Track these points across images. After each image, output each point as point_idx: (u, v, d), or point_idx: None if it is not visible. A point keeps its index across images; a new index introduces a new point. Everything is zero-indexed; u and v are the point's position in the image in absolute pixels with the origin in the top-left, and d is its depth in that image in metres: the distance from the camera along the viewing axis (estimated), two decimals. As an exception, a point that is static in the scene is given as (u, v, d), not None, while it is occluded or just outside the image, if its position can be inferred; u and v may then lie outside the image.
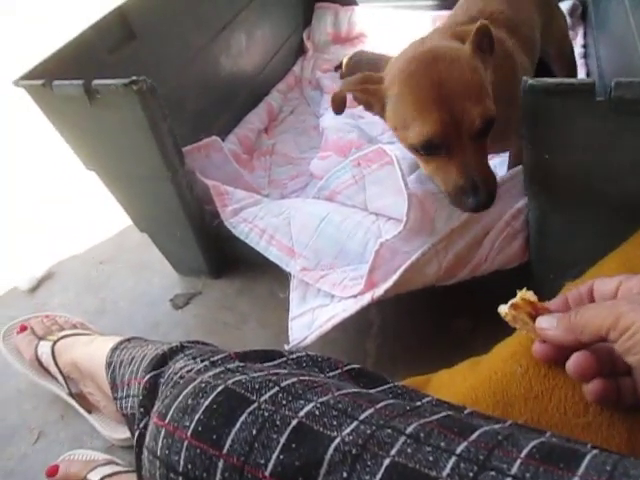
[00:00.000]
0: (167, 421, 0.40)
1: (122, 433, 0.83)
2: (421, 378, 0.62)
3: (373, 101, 0.73)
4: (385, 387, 0.48)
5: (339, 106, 0.77)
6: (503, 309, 0.47)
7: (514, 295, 0.48)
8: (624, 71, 1.03)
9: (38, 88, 0.81)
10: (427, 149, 0.69)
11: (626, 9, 1.04)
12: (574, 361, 0.42)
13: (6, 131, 1.69)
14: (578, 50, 1.42)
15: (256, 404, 0.39)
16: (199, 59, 1.26)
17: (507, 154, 1.15)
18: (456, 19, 0.91)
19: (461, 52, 0.70)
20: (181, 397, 0.41)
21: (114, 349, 0.77)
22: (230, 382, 0.41)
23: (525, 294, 0.46)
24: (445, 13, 1.62)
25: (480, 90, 0.68)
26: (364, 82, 0.74)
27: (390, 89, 0.71)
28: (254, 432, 0.37)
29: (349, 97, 0.77)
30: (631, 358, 0.38)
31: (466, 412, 0.44)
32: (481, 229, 0.79)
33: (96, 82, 0.78)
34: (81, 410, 0.88)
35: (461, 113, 0.66)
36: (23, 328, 0.94)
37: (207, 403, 0.40)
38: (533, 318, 0.45)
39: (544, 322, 0.44)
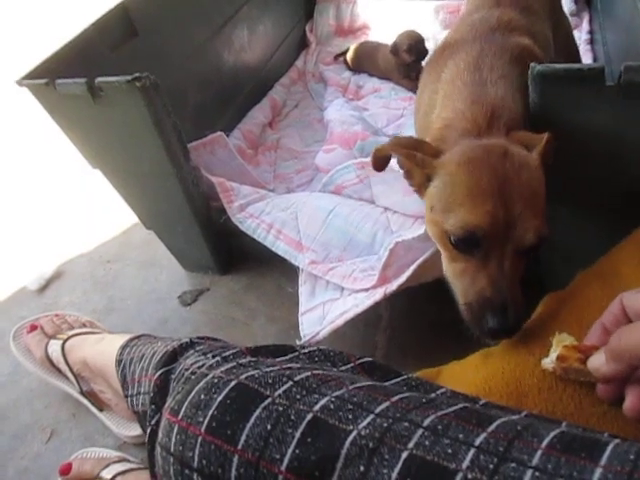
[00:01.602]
0: (180, 417, 0.40)
1: (134, 430, 0.83)
2: (432, 370, 0.62)
3: (416, 171, 0.65)
4: (399, 379, 0.47)
5: (380, 164, 0.69)
6: (550, 364, 0.44)
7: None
8: (632, 56, 1.02)
9: (41, 87, 0.81)
10: (464, 242, 0.59)
11: (633, -6, 1.02)
12: (630, 404, 0.41)
13: (12, 131, 1.69)
14: (584, 36, 1.41)
15: (270, 399, 0.39)
16: (202, 55, 1.25)
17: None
18: (474, 27, 0.84)
19: (530, 159, 0.61)
20: (194, 393, 0.41)
21: (124, 347, 0.77)
22: (243, 377, 0.41)
23: (564, 341, 0.44)
24: (447, 3, 1.61)
25: (542, 205, 0.60)
26: (414, 148, 0.65)
27: (445, 167, 0.62)
28: (269, 427, 0.37)
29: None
30: None
31: (481, 403, 0.44)
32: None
33: (99, 80, 0.78)
34: (92, 408, 0.88)
35: (517, 218, 0.57)
36: (33, 327, 0.95)
37: (220, 398, 0.39)
38: (583, 362, 0.43)
39: (596, 361, 0.41)
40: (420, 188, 0.66)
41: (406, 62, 1.41)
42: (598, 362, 0.41)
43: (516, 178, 0.58)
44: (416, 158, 0.64)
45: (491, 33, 0.80)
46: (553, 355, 0.44)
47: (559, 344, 0.44)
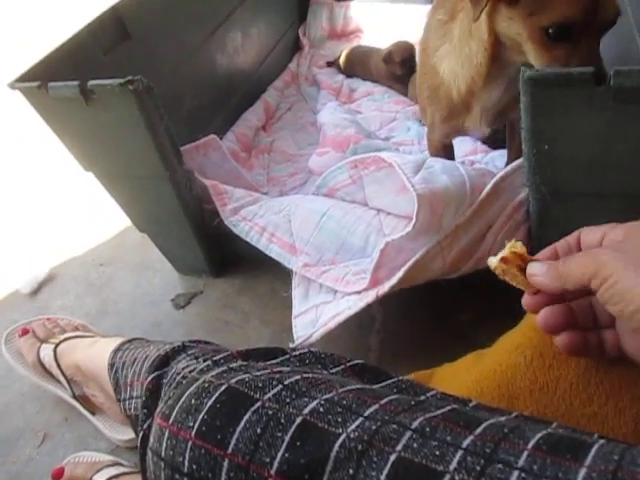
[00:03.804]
0: (171, 422, 0.40)
1: (126, 434, 0.83)
2: (424, 372, 0.62)
3: None
4: (389, 382, 0.47)
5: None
6: (493, 262, 0.46)
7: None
8: (622, 61, 1.02)
9: (33, 90, 0.81)
10: (559, 33, 0.68)
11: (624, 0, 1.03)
12: (541, 315, 0.43)
13: (4, 134, 1.68)
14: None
15: (260, 403, 0.39)
16: (195, 58, 1.25)
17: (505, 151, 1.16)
18: None
19: None
20: (184, 397, 0.41)
21: (116, 350, 0.77)
22: (233, 381, 0.41)
23: (514, 246, 0.46)
24: (441, 6, 1.61)
25: None
26: None
27: None
28: (258, 431, 0.37)
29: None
30: (611, 308, 0.38)
31: (471, 405, 0.44)
32: (485, 223, 0.79)
33: (92, 82, 0.78)
34: (85, 412, 0.87)
35: (601, 4, 0.67)
36: (25, 331, 0.94)
37: (210, 403, 0.39)
38: (522, 270, 0.45)
39: (535, 268, 0.43)
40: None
41: (397, 73, 1.42)
42: (537, 270, 0.43)
43: None
44: None
45: None
46: (499, 255, 0.46)
47: (510, 248, 0.46)
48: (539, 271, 0.43)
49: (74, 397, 0.88)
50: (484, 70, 0.80)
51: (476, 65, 0.80)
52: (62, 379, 0.87)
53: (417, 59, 1.06)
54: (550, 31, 0.68)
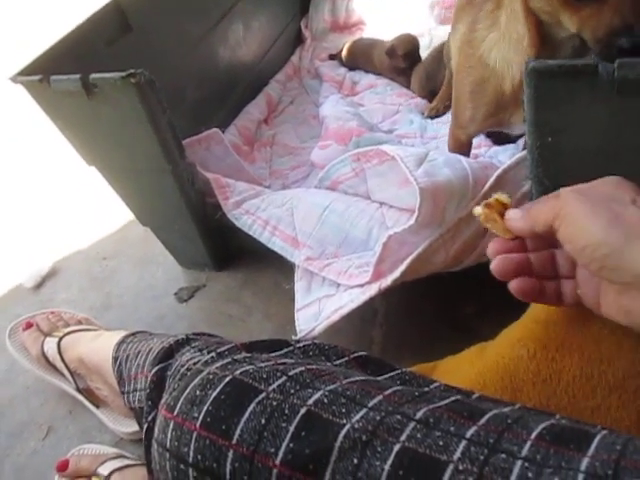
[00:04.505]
0: (176, 413, 0.40)
1: (130, 427, 0.84)
2: (427, 365, 0.62)
3: None
4: (393, 374, 0.48)
5: None
6: (478, 210, 0.48)
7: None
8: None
9: (36, 84, 0.80)
10: None
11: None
12: (495, 261, 0.46)
13: (7, 128, 1.69)
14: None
15: (264, 394, 0.39)
16: (197, 51, 1.25)
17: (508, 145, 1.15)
18: None
19: None
20: (189, 389, 0.41)
21: (120, 343, 0.78)
22: (237, 372, 0.41)
23: (500, 196, 0.48)
24: (443, -2, 1.61)
25: None
26: None
27: None
28: (263, 421, 0.37)
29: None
30: (567, 246, 0.40)
31: (474, 397, 0.44)
32: (487, 217, 0.79)
33: (94, 76, 0.78)
34: (89, 405, 0.88)
35: None
36: (29, 325, 0.95)
37: (215, 394, 0.40)
38: (503, 217, 0.47)
39: (512, 213, 0.46)
40: None
41: (400, 67, 1.41)
42: (514, 214, 0.45)
43: None
44: None
45: None
46: (484, 202, 0.48)
47: (496, 197, 0.48)
48: (515, 215, 0.45)
49: (78, 390, 0.88)
50: (533, 52, 0.77)
51: (525, 49, 0.78)
52: (66, 372, 0.88)
53: (452, 55, 1.03)
54: None
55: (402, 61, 1.40)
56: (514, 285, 0.45)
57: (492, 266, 0.46)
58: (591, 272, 0.41)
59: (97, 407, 0.88)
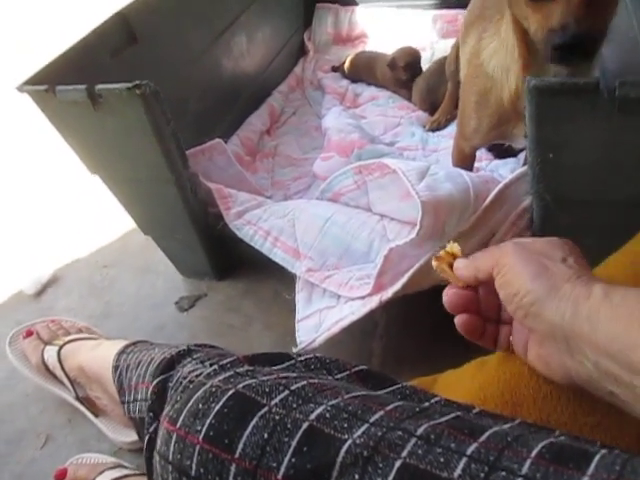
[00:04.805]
0: (178, 426, 0.41)
1: (129, 436, 0.84)
2: (427, 378, 0.62)
3: None
4: (393, 388, 0.48)
5: None
6: (434, 262, 0.52)
7: None
8: (627, 70, 1.03)
9: (41, 93, 0.81)
10: None
11: (628, 8, 1.04)
12: (447, 296, 0.49)
13: (10, 136, 1.69)
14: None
15: (267, 408, 0.39)
16: (201, 62, 1.26)
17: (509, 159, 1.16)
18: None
19: None
20: (192, 402, 0.41)
21: (120, 353, 0.78)
22: (240, 386, 0.41)
23: (452, 247, 0.52)
24: (445, 12, 1.63)
25: None
26: None
27: None
28: (266, 436, 0.37)
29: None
30: (501, 292, 0.44)
31: (475, 412, 0.44)
32: (488, 230, 0.79)
33: (99, 87, 0.78)
34: (88, 414, 0.88)
35: None
36: (29, 333, 0.95)
37: (218, 407, 0.40)
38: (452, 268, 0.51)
39: (459, 262, 0.49)
40: None
41: (401, 78, 1.43)
42: (460, 263, 0.49)
43: None
44: None
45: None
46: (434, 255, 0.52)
47: (446, 249, 0.52)
48: (461, 264, 0.49)
49: (77, 399, 0.88)
50: (521, 62, 0.79)
51: (518, 58, 0.79)
52: (66, 381, 0.88)
53: (462, 68, 1.04)
54: None
55: (403, 72, 1.41)
56: (459, 319, 0.48)
57: (445, 300, 0.49)
58: (517, 320, 0.44)
59: (96, 416, 0.87)
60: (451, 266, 0.51)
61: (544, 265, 0.41)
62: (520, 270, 0.42)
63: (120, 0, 1.05)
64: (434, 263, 0.52)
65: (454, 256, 0.51)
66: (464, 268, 0.48)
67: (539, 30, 0.71)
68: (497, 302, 0.49)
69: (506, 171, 1.12)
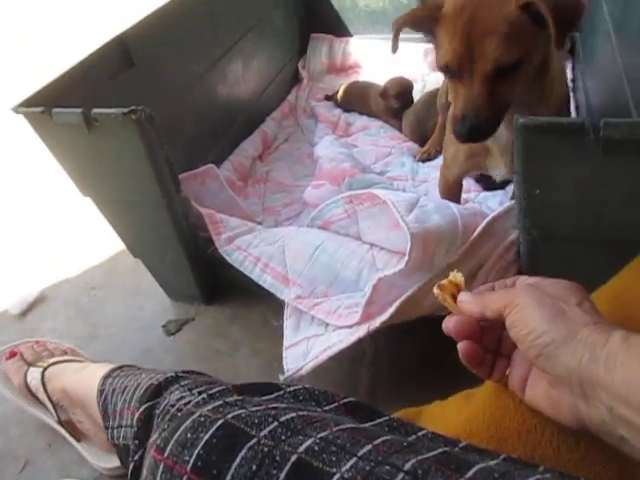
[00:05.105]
0: (166, 455, 0.40)
1: (111, 462, 0.82)
2: (413, 410, 0.62)
3: (426, 25, 0.82)
4: (381, 420, 0.48)
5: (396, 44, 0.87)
6: (436, 290, 0.52)
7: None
8: (612, 105, 1.06)
9: (37, 115, 0.82)
10: (445, 72, 0.79)
11: (612, 46, 1.07)
12: (454, 321, 0.49)
13: (1, 156, 1.69)
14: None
15: (256, 439, 0.39)
16: (197, 87, 1.28)
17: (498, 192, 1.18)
18: None
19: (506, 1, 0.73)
20: (180, 431, 0.41)
21: (106, 377, 0.77)
22: (229, 416, 0.41)
23: (455, 276, 0.52)
24: (437, 46, 1.66)
25: (505, 37, 0.72)
26: (422, 10, 0.82)
27: (442, 18, 0.77)
28: (254, 467, 0.37)
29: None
30: (512, 331, 0.44)
31: (461, 445, 0.44)
32: (476, 262, 0.80)
33: (95, 111, 0.79)
34: (70, 438, 0.86)
35: (478, 52, 0.73)
36: (13, 354, 0.93)
37: (207, 437, 0.40)
38: (455, 298, 0.51)
39: (464, 296, 0.50)
40: (433, 36, 0.81)
41: (393, 107, 1.45)
42: (466, 297, 0.50)
43: (482, 14, 0.72)
44: (425, 14, 0.80)
45: None
46: (437, 284, 0.53)
47: (450, 278, 0.53)
48: (467, 298, 0.49)
49: (59, 422, 0.87)
50: None
51: None
52: (48, 404, 0.87)
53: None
54: (441, 70, 0.80)
55: (395, 101, 1.44)
56: (463, 346, 0.48)
57: (447, 327, 0.49)
58: (529, 358, 0.44)
59: (78, 441, 0.86)
60: (453, 296, 0.51)
61: (560, 308, 0.42)
62: (535, 310, 0.42)
63: (118, 5, 1.06)
64: (436, 291, 0.52)
65: (457, 286, 0.52)
66: (470, 303, 0.49)
67: (452, 107, 0.80)
68: (498, 334, 0.51)
69: (495, 203, 1.14)
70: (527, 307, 0.43)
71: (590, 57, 1.38)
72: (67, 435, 0.87)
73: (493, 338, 0.50)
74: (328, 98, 1.66)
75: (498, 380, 0.51)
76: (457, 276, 0.52)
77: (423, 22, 0.82)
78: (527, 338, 0.42)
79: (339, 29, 1.78)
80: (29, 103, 0.84)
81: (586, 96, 1.34)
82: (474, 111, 0.75)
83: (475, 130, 0.76)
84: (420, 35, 1.68)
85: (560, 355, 0.40)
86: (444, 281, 0.52)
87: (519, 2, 0.72)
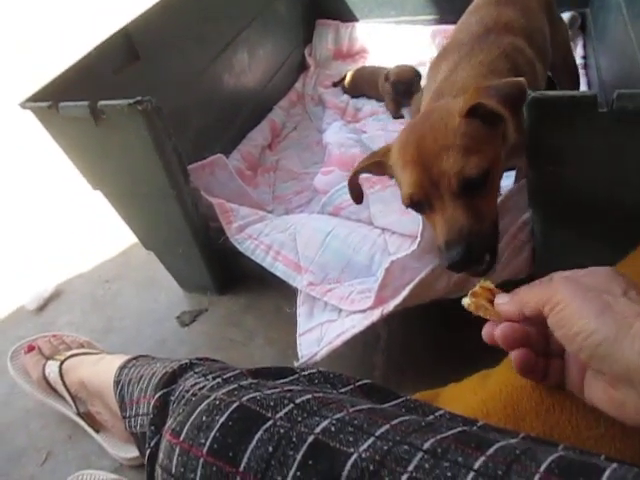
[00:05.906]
0: (182, 438, 0.40)
1: (130, 452, 0.83)
2: (430, 392, 0.62)
3: (383, 171, 0.75)
4: (398, 401, 0.48)
5: (355, 193, 0.78)
6: (466, 301, 0.50)
7: None
8: (624, 81, 1.04)
9: (44, 110, 0.82)
10: (416, 208, 0.70)
11: (625, 20, 1.05)
12: (500, 329, 0.46)
13: (12, 151, 1.70)
14: (578, 61, 1.43)
15: (272, 421, 0.39)
16: (203, 78, 1.27)
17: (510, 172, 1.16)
18: (470, 29, 0.91)
19: (451, 111, 0.67)
20: (195, 414, 0.41)
21: (122, 367, 0.77)
22: (245, 399, 0.41)
23: (484, 283, 0.50)
24: (444, 27, 1.64)
25: (460, 149, 0.65)
26: (372, 157, 0.76)
27: (392, 157, 0.72)
28: (270, 449, 0.37)
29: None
30: (558, 332, 0.41)
31: (478, 425, 0.44)
32: (489, 242, 0.79)
33: (101, 103, 0.79)
34: (89, 429, 0.87)
35: (437, 173, 0.65)
36: (31, 348, 0.95)
37: (222, 420, 0.40)
38: (491, 302, 0.48)
39: (500, 298, 0.47)
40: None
41: (388, 92, 1.44)
42: (503, 298, 0.47)
43: (429, 138, 0.66)
44: (376, 163, 0.74)
45: (486, 34, 0.87)
46: (470, 291, 0.50)
47: (480, 284, 0.50)
48: (504, 300, 0.47)
49: (78, 414, 0.88)
50: None
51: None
52: (67, 396, 0.88)
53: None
54: (407, 208, 0.71)
55: (390, 89, 1.43)
56: (517, 356, 0.45)
57: (498, 335, 0.46)
58: (581, 360, 0.41)
59: (97, 432, 0.87)
60: (489, 302, 0.48)
61: (605, 301, 0.39)
62: (579, 308, 0.39)
63: (120, 3, 1.06)
64: (467, 300, 0.49)
65: (491, 291, 0.49)
66: (508, 304, 0.46)
67: (436, 238, 0.69)
68: (543, 334, 0.47)
69: (508, 183, 1.12)
70: (570, 304, 0.39)
71: (601, 33, 1.36)
72: (86, 426, 0.88)
73: (539, 339, 0.47)
74: (335, 84, 1.65)
75: (556, 384, 0.47)
76: (487, 283, 0.50)
77: (379, 168, 0.75)
78: (575, 339, 0.39)
79: (344, 14, 1.76)
80: (36, 98, 0.84)
81: (598, 73, 1.31)
82: (458, 232, 0.64)
83: (467, 252, 0.63)
84: (428, 17, 1.68)
85: (615, 353, 0.37)
86: (476, 288, 0.49)
87: (462, 113, 0.66)
